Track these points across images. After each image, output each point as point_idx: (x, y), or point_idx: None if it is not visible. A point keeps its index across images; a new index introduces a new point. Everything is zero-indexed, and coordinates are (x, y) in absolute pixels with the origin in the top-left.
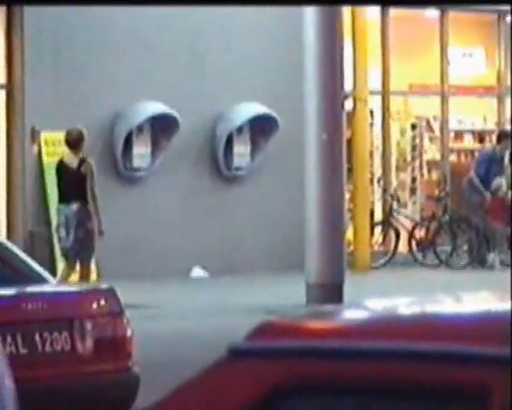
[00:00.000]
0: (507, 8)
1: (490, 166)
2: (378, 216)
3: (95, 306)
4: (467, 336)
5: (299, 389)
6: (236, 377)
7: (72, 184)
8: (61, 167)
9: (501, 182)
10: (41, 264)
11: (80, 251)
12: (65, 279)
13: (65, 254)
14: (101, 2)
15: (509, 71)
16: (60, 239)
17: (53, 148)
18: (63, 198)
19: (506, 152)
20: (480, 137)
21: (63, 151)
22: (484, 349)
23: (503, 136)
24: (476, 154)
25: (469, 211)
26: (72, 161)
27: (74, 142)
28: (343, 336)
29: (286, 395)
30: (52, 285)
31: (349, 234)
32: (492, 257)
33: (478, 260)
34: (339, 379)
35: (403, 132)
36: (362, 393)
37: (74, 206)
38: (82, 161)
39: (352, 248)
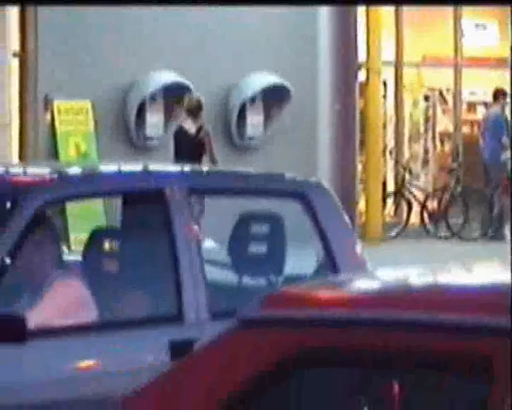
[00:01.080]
0: None
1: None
2: (390, 187)
3: None
4: (477, 306)
5: (309, 359)
6: (246, 346)
7: (190, 149)
8: (180, 133)
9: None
10: None
11: None
12: None
13: None
14: (102, 3)
15: None
16: None
17: (66, 116)
18: (179, 162)
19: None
20: None
21: (76, 119)
22: (493, 320)
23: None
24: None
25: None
26: (190, 127)
27: (194, 109)
28: (354, 306)
29: (296, 364)
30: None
31: (361, 205)
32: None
33: (494, 233)
34: (349, 349)
35: (416, 104)
36: (371, 362)
37: None
38: (200, 128)
39: (363, 219)
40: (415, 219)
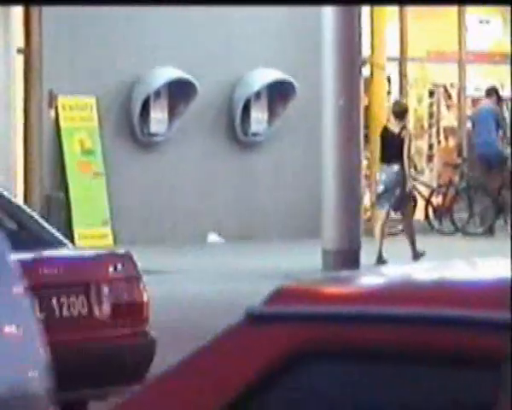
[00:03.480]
0: None
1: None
2: None
3: (111, 270)
4: (482, 301)
5: (316, 354)
6: (254, 341)
7: (393, 147)
8: (385, 132)
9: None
10: (57, 228)
11: (400, 206)
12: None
13: (380, 204)
14: (103, 3)
15: None
16: (379, 193)
17: (70, 112)
18: (384, 159)
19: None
20: None
21: (80, 115)
22: (499, 315)
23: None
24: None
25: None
26: (394, 127)
27: (399, 112)
28: (360, 301)
29: (303, 360)
30: (69, 250)
31: (366, 200)
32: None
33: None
34: (355, 344)
35: (420, 99)
36: (377, 358)
37: (395, 167)
38: (403, 128)
39: (368, 214)
40: (419, 214)
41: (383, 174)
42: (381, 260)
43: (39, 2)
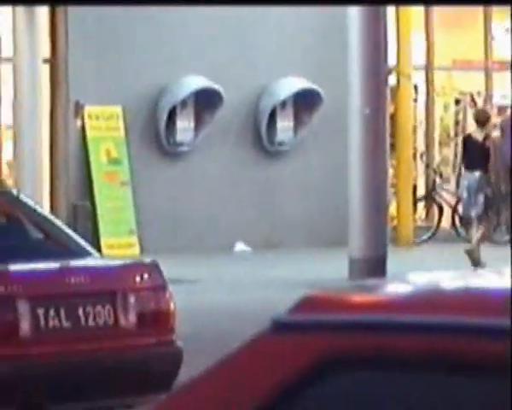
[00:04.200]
0: None
1: None
2: (421, 191)
3: (138, 279)
4: (508, 309)
5: (343, 363)
6: (280, 350)
7: (476, 154)
8: (468, 140)
9: None
10: (84, 238)
11: (482, 213)
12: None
13: (466, 218)
14: (104, 3)
15: None
16: (462, 200)
17: (96, 122)
18: (468, 166)
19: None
20: None
21: (106, 125)
22: None
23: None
24: None
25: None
26: (478, 135)
27: (483, 120)
28: (386, 309)
29: (329, 369)
30: (95, 259)
31: (392, 209)
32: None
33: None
34: (382, 353)
35: (446, 108)
36: (405, 367)
37: (477, 173)
38: (487, 136)
39: (395, 222)
40: (446, 222)
41: (465, 181)
42: (478, 264)
43: (65, 2)
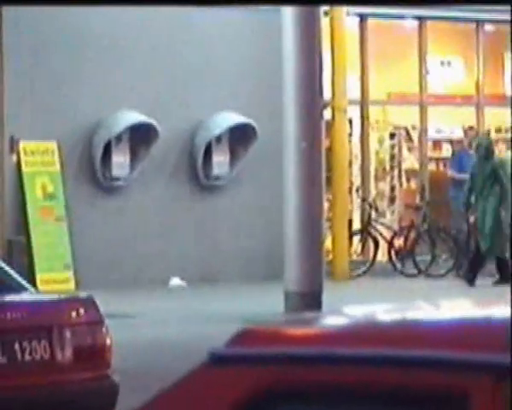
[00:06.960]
0: (485, 15)
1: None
2: (357, 225)
3: (74, 314)
4: (445, 342)
5: (279, 395)
6: (217, 382)
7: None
8: None
9: None
10: (19, 273)
11: None
12: None
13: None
14: (101, 3)
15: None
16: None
17: (32, 157)
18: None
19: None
20: None
21: (42, 160)
22: (463, 355)
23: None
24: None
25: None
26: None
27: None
28: (322, 342)
29: (266, 401)
30: (31, 294)
31: (328, 243)
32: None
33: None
34: (318, 385)
35: (381, 142)
36: (341, 399)
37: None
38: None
39: (330, 257)
40: (382, 256)
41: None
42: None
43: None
